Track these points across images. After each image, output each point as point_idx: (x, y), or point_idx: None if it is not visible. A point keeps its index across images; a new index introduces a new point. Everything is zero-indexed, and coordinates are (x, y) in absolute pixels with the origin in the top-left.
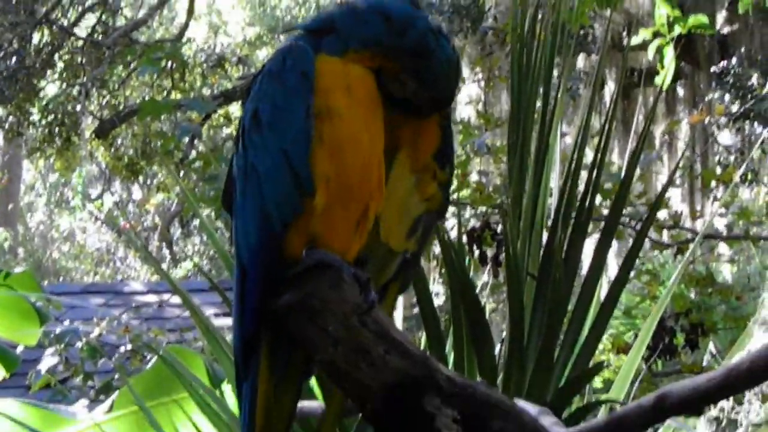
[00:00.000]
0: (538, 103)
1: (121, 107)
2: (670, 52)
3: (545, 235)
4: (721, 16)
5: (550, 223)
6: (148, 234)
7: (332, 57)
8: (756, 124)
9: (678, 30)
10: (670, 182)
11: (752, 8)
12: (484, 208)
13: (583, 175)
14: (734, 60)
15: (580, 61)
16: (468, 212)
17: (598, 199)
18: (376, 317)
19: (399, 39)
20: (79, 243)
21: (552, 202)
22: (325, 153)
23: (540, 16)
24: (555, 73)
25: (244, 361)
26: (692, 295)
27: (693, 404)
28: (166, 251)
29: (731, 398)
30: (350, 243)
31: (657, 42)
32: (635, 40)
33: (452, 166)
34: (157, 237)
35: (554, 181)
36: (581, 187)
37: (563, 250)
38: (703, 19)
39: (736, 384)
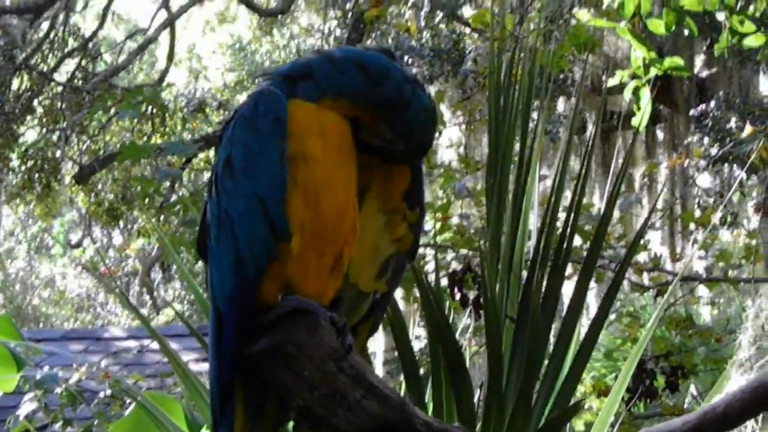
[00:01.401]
0: (517, 146)
1: (101, 153)
2: (646, 94)
3: (524, 277)
4: (699, 59)
5: (528, 265)
6: (129, 279)
7: (306, 102)
8: (735, 167)
9: (654, 72)
10: (646, 223)
11: (729, 52)
12: (465, 251)
13: (562, 217)
14: (713, 103)
15: (561, 104)
16: (449, 255)
17: (578, 240)
18: (352, 362)
19: (375, 90)
20: (59, 289)
21: (530, 244)
22: (300, 198)
23: (518, 60)
24: (534, 116)
25: (221, 407)
26: (674, 337)
27: None
28: (146, 297)
29: None
30: (325, 287)
31: (633, 83)
32: (612, 82)
33: (422, 208)
34: (138, 282)
35: (533, 223)
36: (560, 229)
37: (541, 292)
38: (678, 61)
39: (710, 427)
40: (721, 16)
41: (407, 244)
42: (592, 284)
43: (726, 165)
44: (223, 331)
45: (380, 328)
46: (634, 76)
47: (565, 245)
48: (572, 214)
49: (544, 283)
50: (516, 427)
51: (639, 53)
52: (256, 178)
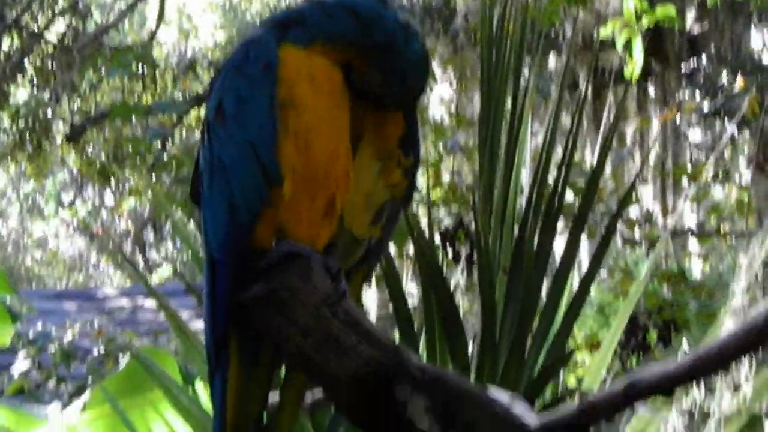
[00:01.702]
0: (509, 102)
1: (92, 112)
2: (638, 45)
3: (517, 231)
4: (690, 14)
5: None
6: (122, 240)
7: (297, 47)
8: (726, 121)
9: (646, 22)
10: (637, 177)
11: (721, 4)
12: (457, 208)
13: (555, 172)
14: (704, 58)
15: (553, 61)
16: (442, 212)
17: (570, 195)
18: (346, 307)
19: (367, 34)
20: (51, 249)
21: (523, 198)
22: (291, 143)
23: (508, 15)
24: (525, 72)
25: (216, 355)
26: (666, 292)
27: (662, 389)
28: (139, 257)
29: (703, 390)
30: (319, 232)
31: (625, 34)
32: (603, 33)
33: (417, 153)
34: (130, 242)
35: (525, 178)
36: (552, 184)
37: (534, 245)
38: (670, 10)
39: (705, 368)
40: None
41: (402, 190)
42: (585, 239)
43: (717, 120)
44: (217, 278)
45: (373, 283)
46: (625, 27)
47: (556, 199)
48: (563, 169)
49: (536, 236)
50: (509, 377)
51: (631, 3)
52: (248, 125)
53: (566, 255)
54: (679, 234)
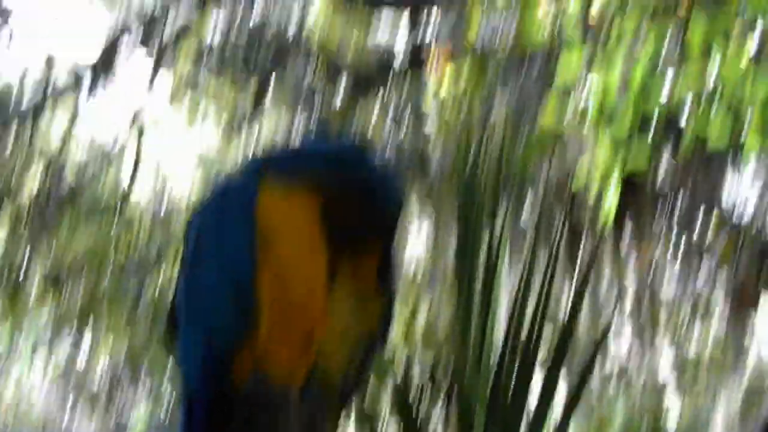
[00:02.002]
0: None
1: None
2: (612, 194)
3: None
4: (662, 168)
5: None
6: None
7: (276, 187)
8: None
9: (617, 176)
10: (610, 324)
11: (692, 151)
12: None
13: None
14: (677, 212)
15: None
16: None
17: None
18: None
19: (346, 180)
20: (25, 400)
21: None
22: (268, 282)
23: (484, 161)
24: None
25: None
26: None
27: None
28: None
29: None
30: (296, 370)
31: (598, 183)
32: (576, 186)
33: (394, 290)
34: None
35: (501, 323)
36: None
37: (511, 385)
38: (643, 163)
39: None
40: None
41: (378, 326)
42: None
43: (695, 261)
44: (192, 417)
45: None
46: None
47: (531, 345)
48: (538, 316)
49: (513, 380)
50: None
51: (603, 155)
52: (226, 264)
53: (543, 396)
54: (656, 388)
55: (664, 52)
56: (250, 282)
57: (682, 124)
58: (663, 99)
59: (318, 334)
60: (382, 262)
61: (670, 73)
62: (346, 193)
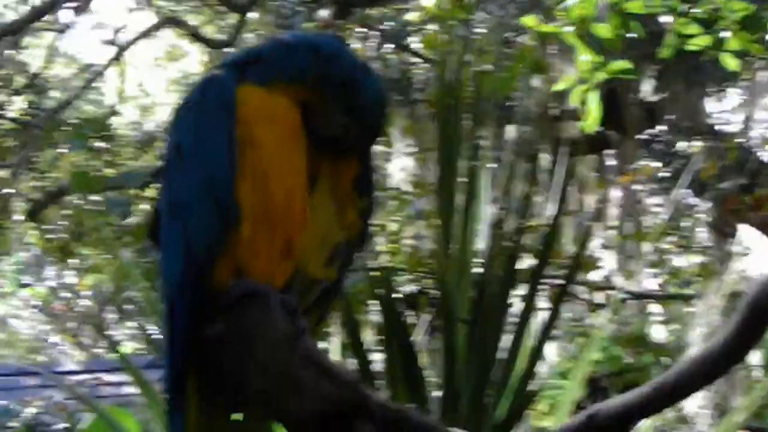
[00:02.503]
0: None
1: (51, 189)
2: (593, 98)
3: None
4: (647, 85)
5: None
6: (83, 319)
7: (255, 87)
8: (686, 191)
9: (601, 75)
10: (588, 232)
11: (675, 75)
12: (419, 274)
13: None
14: (661, 127)
15: (513, 131)
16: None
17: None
18: (305, 344)
19: (327, 71)
20: (11, 330)
21: (482, 250)
22: (249, 183)
23: (463, 85)
24: (483, 142)
25: (173, 397)
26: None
27: (623, 418)
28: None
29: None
30: (277, 272)
31: (580, 88)
32: (557, 87)
33: (372, 195)
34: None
35: (483, 237)
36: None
37: (492, 300)
38: (625, 63)
39: (664, 397)
40: (665, 19)
41: (356, 231)
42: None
43: (677, 189)
44: (175, 318)
45: (338, 351)
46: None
47: (515, 249)
48: (518, 228)
49: (495, 292)
50: (471, 424)
51: (585, 57)
52: (206, 164)
53: (524, 309)
54: (639, 298)
55: None
56: (229, 183)
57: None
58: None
59: (298, 239)
60: (360, 171)
61: None
62: (328, 89)
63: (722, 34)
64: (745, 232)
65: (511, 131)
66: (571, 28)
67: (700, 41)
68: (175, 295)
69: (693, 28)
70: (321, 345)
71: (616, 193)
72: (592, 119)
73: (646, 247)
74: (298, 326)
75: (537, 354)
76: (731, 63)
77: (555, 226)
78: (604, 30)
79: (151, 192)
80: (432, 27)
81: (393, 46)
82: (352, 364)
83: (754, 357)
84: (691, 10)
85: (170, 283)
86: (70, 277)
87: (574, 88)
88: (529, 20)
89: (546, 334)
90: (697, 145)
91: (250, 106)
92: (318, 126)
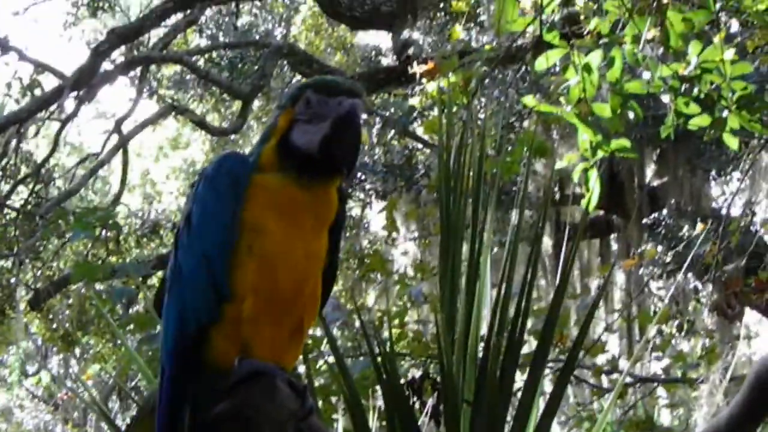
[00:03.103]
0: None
1: (55, 278)
2: (594, 176)
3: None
4: (650, 169)
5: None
6: (86, 409)
7: (270, 174)
8: (689, 275)
9: (601, 153)
10: (592, 313)
11: (678, 159)
12: (423, 358)
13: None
14: (665, 211)
15: (515, 216)
16: (407, 363)
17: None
18: (311, 423)
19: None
20: (16, 421)
21: (485, 333)
22: (255, 265)
23: (466, 170)
24: (488, 227)
25: None
26: None
27: None
28: (104, 426)
29: None
30: (285, 353)
31: (581, 166)
32: (559, 166)
33: (339, 239)
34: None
35: (486, 316)
36: (511, 325)
37: (496, 378)
38: (625, 142)
39: None
40: (666, 99)
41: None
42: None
43: (681, 273)
44: (163, 384)
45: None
46: (582, 162)
47: (516, 334)
48: (521, 311)
49: (498, 370)
50: None
51: (585, 136)
52: (206, 236)
53: (527, 390)
54: (645, 381)
55: (641, 45)
56: (222, 260)
57: (664, 110)
58: (643, 88)
59: (308, 323)
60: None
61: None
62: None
63: (723, 114)
64: (750, 316)
65: (513, 215)
66: (570, 108)
67: (700, 121)
68: (165, 363)
69: (693, 108)
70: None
71: (620, 277)
72: (593, 198)
73: (651, 331)
74: (306, 405)
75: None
76: (732, 142)
77: (556, 308)
78: (604, 110)
79: (155, 280)
80: (434, 112)
81: (395, 132)
82: None
83: None
84: (692, 91)
85: (162, 349)
86: (74, 368)
87: (576, 168)
88: (530, 101)
89: (550, 417)
90: (701, 227)
91: (263, 191)
92: (302, 142)
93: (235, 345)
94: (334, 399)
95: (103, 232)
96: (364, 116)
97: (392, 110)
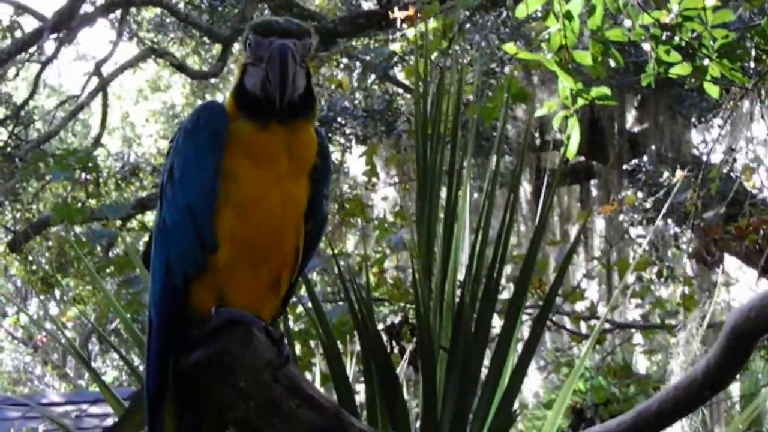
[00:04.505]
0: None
1: (34, 220)
2: (574, 124)
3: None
4: (630, 115)
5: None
6: (65, 351)
7: (239, 122)
8: (669, 221)
9: (581, 101)
10: (570, 255)
11: (659, 105)
12: (402, 305)
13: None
14: (645, 158)
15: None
16: (386, 309)
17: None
18: (287, 372)
19: None
20: None
21: (461, 278)
22: (231, 212)
23: (444, 115)
24: (466, 172)
25: (151, 418)
26: (612, 386)
27: None
28: (83, 369)
29: None
30: (262, 303)
31: (561, 113)
32: (539, 113)
33: (319, 221)
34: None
35: (463, 262)
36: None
37: (473, 324)
38: (605, 90)
39: (645, 426)
40: (647, 47)
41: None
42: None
43: (660, 218)
44: (152, 337)
45: (318, 380)
46: (563, 110)
47: (494, 278)
48: (498, 255)
49: (475, 316)
50: None
51: (566, 83)
52: (190, 188)
53: (503, 335)
54: (623, 328)
55: None
56: (207, 210)
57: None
58: (625, 36)
59: (288, 274)
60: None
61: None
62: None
63: (704, 63)
64: (729, 262)
65: (492, 161)
66: (551, 56)
67: (681, 69)
68: (153, 315)
69: (674, 56)
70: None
71: (600, 224)
72: (573, 145)
73: (630, 277)
74: (283, 354)
75: (517, 382)
76: (713, 91)
77: (533, 254)
78: (585, 57)
79: (134, 223)
80: (415, 58)
81: (376, 76)
82: (334, 393)
83: (735, 388)
84: (673, 39)
85: (150, 303)
86: (53, 310)
87: (556, 115)
88: (510, 48)
89: (526, 362)
90: (681, 175)
91: (241, 139)
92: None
93: (212, 294)
94: (312, 343)
95: (83, 174)
96: (301, 54)
97: (372, 56)
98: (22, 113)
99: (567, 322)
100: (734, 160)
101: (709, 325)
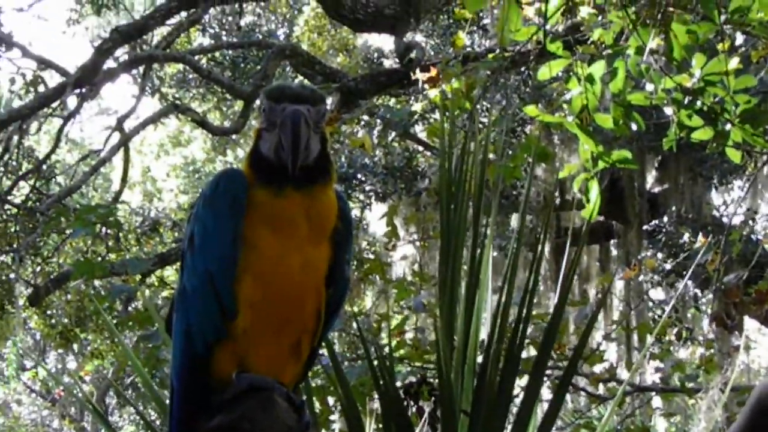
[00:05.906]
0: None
1: (54, 275)
2: (594, 187)
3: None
4: (650, 175)
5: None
6: (84, 404)
7: (256, 187)
8: (689, 283)
9: (601, 164)
10: (592, 323)
11: (680, 167)
12: (420, 365)
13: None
14: (665, 219)
15: (515, 221)
16: (405, 369)
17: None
18: None
19: None
20: (14, 415)
21: (485, 340)
22: (251, 279)
23: (468, 175)
24: (489, 233)
25: None
26: None
27: None
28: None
29: None
30: (284, 369)
31: (582, 176)
32: (561, 175)
33: (338, 285)
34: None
35: (485, 329)
36: (510, 333)
37: (494, 389)
38: (626, 153)
39: None
40: (668, 111)
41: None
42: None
43: (680, 280)
44: (173, 402)
45: None
46: (582, 172)
47: (517, 342)
48: (521, 318)
49: (497, 380)
50: None
51: (587, 147)
52: (209, 255)
53: (526, 400)
54: (643, 390)
55: (645, 56)
56: (227, 278)
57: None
58: (646, 99)
59: (308, 340)
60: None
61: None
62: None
63: (726, 127)
64: (749, 324)
65: (513, 219)
66: (572, 118)
67: (703, 134)
68: (174, 381)
69: (696, 121)
70: None
71: (619, 284)
72: (592, 208)
73: (650, 340)
74: (303, 420)
75: None
76: (735, 156)
77: (558, 318)
78: (606, 120)
79: (153, 278)
80: (436, 115)
81: (396, 134)
82: None
83: None
84: (695, 103)
85: (172, 369)
86: (71, 364)
87: (577, 177)
88: (532, 110)
89: (549, 425)
90: (703, 241)
91: (261, 206)
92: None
93: (233, 360)
94: (331, 399)
95: (103, 229)
96: (315, 120)
97: (394, 116)
98: (44, 167)
99: (585, 383)
100: (755, 221)
101: (730, 389)
